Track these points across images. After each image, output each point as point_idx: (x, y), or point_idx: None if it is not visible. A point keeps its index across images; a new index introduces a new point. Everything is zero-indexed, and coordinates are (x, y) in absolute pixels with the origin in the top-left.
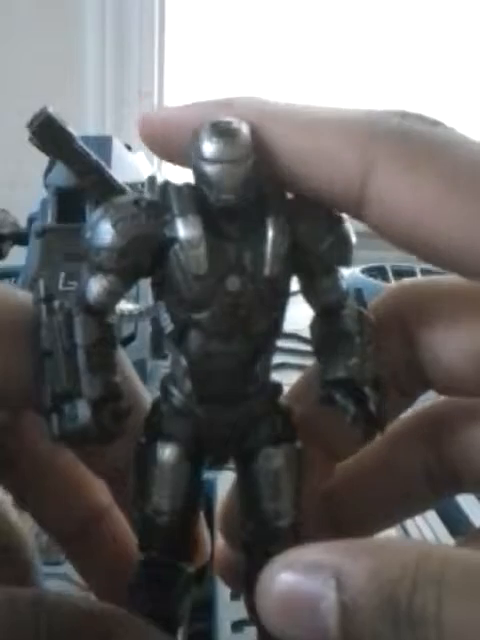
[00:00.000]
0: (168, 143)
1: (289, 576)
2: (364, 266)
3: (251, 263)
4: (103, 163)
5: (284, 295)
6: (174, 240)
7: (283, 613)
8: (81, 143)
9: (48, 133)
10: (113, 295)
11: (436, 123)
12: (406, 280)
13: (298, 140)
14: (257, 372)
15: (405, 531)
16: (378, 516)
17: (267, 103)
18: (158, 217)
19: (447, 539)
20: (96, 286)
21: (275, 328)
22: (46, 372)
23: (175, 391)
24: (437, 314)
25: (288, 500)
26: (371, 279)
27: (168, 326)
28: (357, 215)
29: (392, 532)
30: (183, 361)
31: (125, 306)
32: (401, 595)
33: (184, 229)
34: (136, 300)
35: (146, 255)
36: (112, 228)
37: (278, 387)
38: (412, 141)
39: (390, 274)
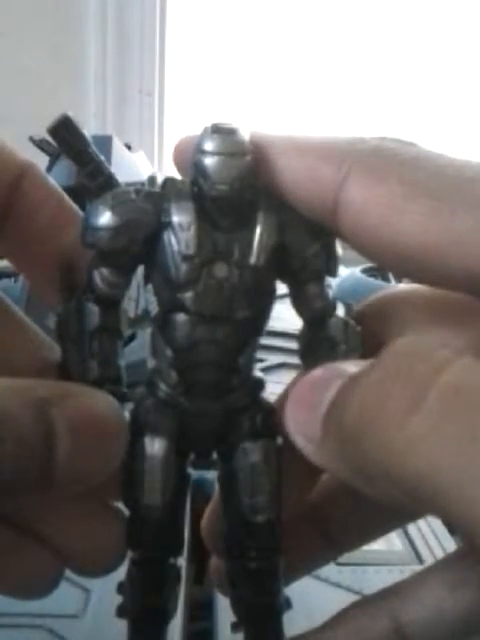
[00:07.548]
0: (183, 162)
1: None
2: (364, 266)
3: (239, 252)
4: (113, 173)
5: (267, 287)
6: (167, 224)
7: (294, 402)
8: (95, 148)
9: (65, 131)
10: (113, 287)
11: (411, 144)
12: (385, 290)
13: (289, 159)
14: (241, 365)
15: (404, 530)
16: (371, 525)
17: (267, 132)
18: (155, 205)
19: (446, 538)
20: (97, 279)
21: (259, 322)
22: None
23: (161, 384)
24: (413, 325)
25: (265, 496)
26: (371, 279)
27: (154, 310)
28: (332, 224)
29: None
30: (169, 352)
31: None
32: None
33: (177, 213)
34: (136, 303)
35: (139, 240)
36: (109, 209)
37: (260, 383)
38: (383, 156)
39: (390, 274)
